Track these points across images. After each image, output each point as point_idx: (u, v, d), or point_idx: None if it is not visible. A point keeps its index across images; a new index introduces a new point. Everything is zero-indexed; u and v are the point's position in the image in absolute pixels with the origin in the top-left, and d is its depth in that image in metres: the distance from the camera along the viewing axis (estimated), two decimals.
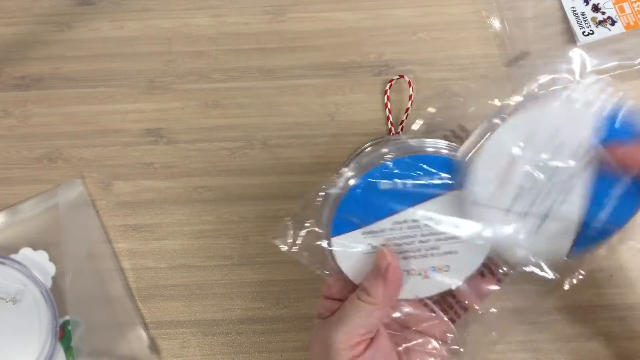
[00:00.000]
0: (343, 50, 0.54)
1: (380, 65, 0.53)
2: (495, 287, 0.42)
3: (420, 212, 0.38)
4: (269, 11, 0.55)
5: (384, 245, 0.39)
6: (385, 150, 0.39)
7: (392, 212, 0.38)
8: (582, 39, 0.52)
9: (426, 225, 0.39)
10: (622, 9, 0.52)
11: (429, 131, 0.43)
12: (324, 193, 0.39)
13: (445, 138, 0.44)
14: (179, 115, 0.53)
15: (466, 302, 0.42)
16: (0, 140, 0.53)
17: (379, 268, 0.38)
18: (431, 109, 0.44)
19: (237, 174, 0.52)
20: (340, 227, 0.39)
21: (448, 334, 0.41)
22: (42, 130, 0.53)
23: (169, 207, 0.52)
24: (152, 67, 0.54)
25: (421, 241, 0.39)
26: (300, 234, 0.42)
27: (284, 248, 0.44)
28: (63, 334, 0.48)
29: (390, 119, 0.51)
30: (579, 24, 0.52)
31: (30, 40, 0.55)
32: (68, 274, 0.49)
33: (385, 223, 0.39)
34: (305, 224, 0.41)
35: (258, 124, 0.53)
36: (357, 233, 0.39)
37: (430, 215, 0.39)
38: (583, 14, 0.52)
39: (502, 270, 0.42)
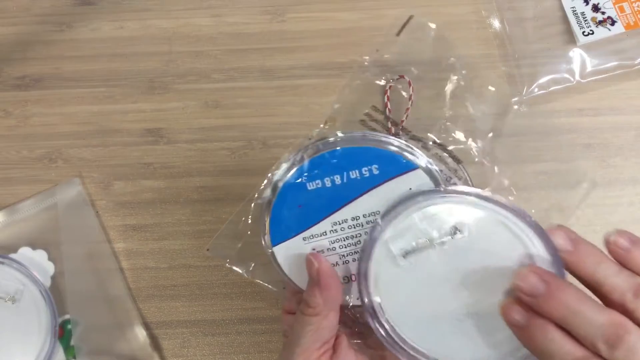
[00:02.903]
0: (343, 50, 0.54)
1: (380, 65, 0.53)
2: None
3: (357, 208, 0.37)
4: (269, 11, 0.55)
5: (314, 249, 0.38)
6: (305, 150, 0.38)
7: (328, 213, 0.37)
8: (582, 39, 0.52)
9: (368, 222, 0.37)
10: (622, 9, 0.52)
11: (347, 121, 0.43)
12: (260, 203, 0.38)
13: (362, 123, 0.43)
14: (179, 115, 0.53)
15: None
16: (0, 140, 0.53)
17: (311, 275, 0.36)
18: (339, 105, 0.44)
19: (237, 174, 0.52)
20: (278, 235, 0.38)
21: None
22: (42, 130, 0.53)
23: (169, 207, 0.52)
24: (152, 67, 0.54)
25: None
26: (239, 248, 0.42)
27: (237, 270, 0.43)
28: (62, 333, 0.48)
29: (390, 119, 0.51)
30: (579, 24, 0.52)
31: (30, 40, 0.55)
32: (67, 274, 0.49)
33: (324, 225, 0.38)
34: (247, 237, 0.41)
35: (258, 124, 0.53)
36: (297, 240, 0.38)
37: (370, 211, 0.37)
38: (583, 14, 0.52)
39: None
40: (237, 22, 0.55)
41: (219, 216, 0.51)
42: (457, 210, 0.36)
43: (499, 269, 0.34)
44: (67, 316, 0.48)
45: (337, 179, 0.37)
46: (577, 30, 0.52)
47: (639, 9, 0.52)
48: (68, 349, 0.48)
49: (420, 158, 0.38)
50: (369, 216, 0.38)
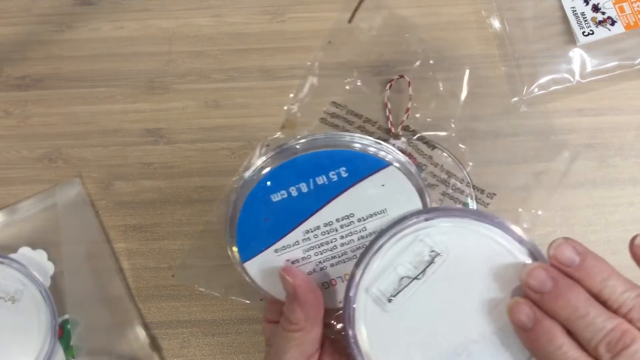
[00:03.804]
0: (343, 50, 0.54)
1: (380, 65, 0.53)
2: None
3: (328, 214, 0.36)
4: (269, 11, 0.55)
5: (288, 260, 0.36)
6: (263, 159, 0.36)
7: (298, 222, 0.36)
8: (582, 39, 0.52)
9: (342, 226, 0.36)
10: (622, 9, 0.52)
11: (306, 123, 0.41)
12: (223, 220, 0.37)
13: (323, 121, 0.41)
14: (179, 115, 0.53)
15: None
16: (0, 140, 0.53)
17: (287, 292, 0.35)
18: (296, 106, 0.43)
19: (236, 174, 0.52)
20: (248, 251, 0.36)
21: None
22: (42, 130, 0.53)
23: (169, 207, 0.52)
24: (152, 67, 0.54)
25: (343, 244, 0.37)
26: (208, 267, 0.41)
27: (209, 292, 0.42)
28: (62, 333, 0.48)
29: (390, 119, 0.51)
30: (579, 24, 0.52)
31: (30, 40, 0.55)
32: (67, 274, 0.49)
33: (296, 234, 0.36)
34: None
35: (258, 124, 0.53)
36: (269, 252, 0.36)
37: (343, 215, 0.36)
38: (583, 14, 0.52)
39: None
40: (237, 22, 0.55)
41: (219, 216, 0.51)
42: (432, 234, 0.34)
43: (489, 284, 0.33)
44: (67, 316, 0.48)
45: (304, 187, 0.35)
46: (577, 30, 0.52)
47: (639, 9, 0.52)
48: (68, 349, 0.48)
49: (390, 153, 0.36)
50: (342, 220, 0.36)
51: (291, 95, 0.42)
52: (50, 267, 0.49)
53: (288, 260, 0.37)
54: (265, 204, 0.35)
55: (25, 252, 0.49)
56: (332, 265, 0.37)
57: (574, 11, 0.53)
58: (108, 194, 0.52)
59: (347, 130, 0.40)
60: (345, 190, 0.35)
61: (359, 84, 0.46)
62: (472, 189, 0.45)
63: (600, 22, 0.52)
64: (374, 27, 0.46)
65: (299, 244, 0.36)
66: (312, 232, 0.36)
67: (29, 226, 0.50)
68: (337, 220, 0.36)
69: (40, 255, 0.49)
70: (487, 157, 0.50)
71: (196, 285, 0.44)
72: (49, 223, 0.50)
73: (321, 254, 0.37)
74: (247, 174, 0.36)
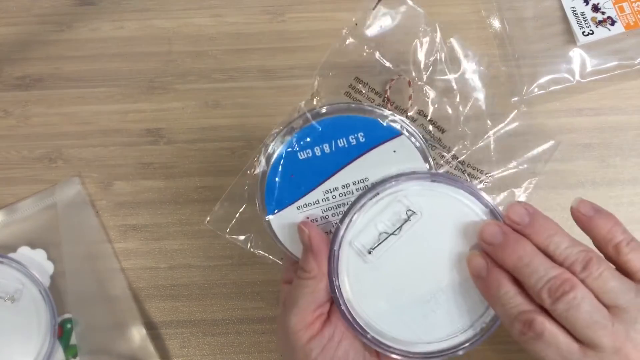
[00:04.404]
0: (343, 50, 0.54)
1: (379, 65, 0.53)
2: None
3: (346, 176, 0.39)
4: (269, 11, 0.55)
5: (308, 218, 0.39)
6: (293, 122, 0.39)
7: (320, 182, 0.39)
8: (582, 39, 0.52)
9: (358, 189, 0.39)
10: (622, 9, 0.52)
11: (332, 94, 0.44)
12: (255, 174, 0.40)
13: (347, 95, 0.44)
14: (179, 115, 0.53)
15: None
16: (0, 140, 0.53)
17: (303, 242, 0.38)
18: (322, 78, 0.44)
19: (237, 174, 0.52)
20: (273, 205, 0.39)
21: None
22: (42, 130, 0.53)
23: (169, 207, 0.52)
24: (152, 67, 0.54)
25: None
26: (237, 218, 0.43)
27: (238, 241, 0.43)
28: (62, 333, 0.48)
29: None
30: (579, 24, 0.52)
31: (30, 40, 0.55)
32: (67, 274, 0.49)
33: (317, 194, 0.39)
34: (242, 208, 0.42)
35: (258, 124, 0.53)
36: (291, 209, 0.39)
37: (359, 178, 0.39)
38: (583, 14, 0.52)
39: None
40: (237, 22, 0.55)
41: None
42: (409, 195, 0.38)
43: (456, 240, 0.37)
44: (66, 315, 0.48)
45: (327, 148, 0.39)
46: (577, 30, 0.52)
47: (639, 9, 0.52)
48: (67, 349, 0.48)
49: (402, 124, 0.40)
50: (358, 183, 0.39)
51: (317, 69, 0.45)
52: (49, 267, 0.49)
53: (307, 218, 0.39)
54: (293, 160, 0.39)
55: (24, 252, 0.49)
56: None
57: (574, 11, 0.53)
58: (108, 194, 0.52)
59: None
60: (362, 154, 0.39)
61: (377, 55, 0.48)
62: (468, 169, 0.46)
63: (600, 22, 0.52)
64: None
65: (318, 203, 0.39)
66: (330, 192, 0.39)
67: (28, 226, 0.50)
68: (354, 183, 0.39)
69: (40, 255, 0.49)
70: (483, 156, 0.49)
71: (227, 233, 0.44)
72: (48, 223, 0.50)
73: (338, 215, 0.40)
74: (280, 131, 0.40)
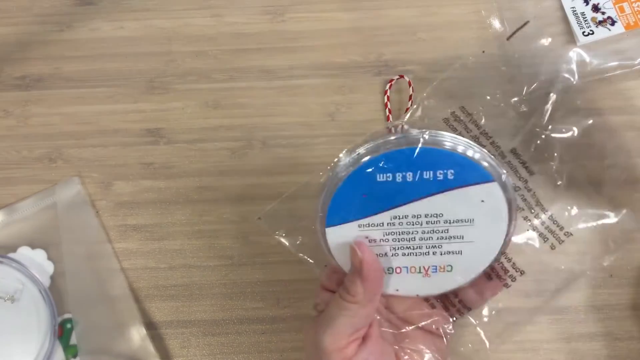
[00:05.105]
0: (343, 50, 0.54)
1: (380, 65, 0.53)
2: (500, 291, 0.41)
3: (421, 208, 0.37)
4: (269, 11, 0.55)
5: (367, 237, 0.38)
6: (383, 141, 0.37)
7: (391, 206, 0.37)
8: (582, 39, 0.52)
9: (428, 223, 0.37)
10: (622, 9, 0.52)
11: (427, 116, 0.42)
12: (322, 181, 0.38)
13: (446, 122, 0.43)
14: (179, 115, 0.53)
15: (469, 302, 0.41)
16: (0, 140, 0.53)
17: (354, 265, 0.37)
18: (427, 100, 0.43)
19: (237, 174, 0.52)
20: (335, 218, 0.38)
21: (448, 331, 0.41)
22: (42, 130, 0.53)
23: (169, 207, 0.52)
24: (152, 67, 0.54)
25: (422, 238, 0.38)
26: (296, 223, 0.43)
27: (285, 242, 0.44)
28: (62, 333, 0.48)
29: (390, 119, 0.51)
30: (579, 24, 0.52)
31: (30, 40, 0.55)
32: (67, 273, 0.49)
33: (384, 217, 0.37)
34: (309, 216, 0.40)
35: (258, 124, 0.53)
36: (352, 225, 0.38)
37: (433, 212, 0.37)
38: (583, 14, 0.52)
39: (510, 272, 0.41)
40: (237, 22, 0.55)
41: (219, 216, 0.51)
42: None
43: None
44: (66, 315, 0.48)
45: (409, 176, 0.37)
46: (577, 30, 0.52)
47: (639, 9, 0.52)
48: (67, 349, 0.48)
49: (497, 169, 0.37)
50: (430, 217, 0.37)
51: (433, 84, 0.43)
52: (49, 267, 0.49)
53: (366, 238, 0.38)
54: (370, 180, 0.37)
55: (24, 252, 0.49)
56: (403, 254, 0.38)
57: (574, 11, 0.53)
58: (108, 194, 0.52)
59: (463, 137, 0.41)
60: (445, 191, 0.37)
61: (496, 97, 0.47)
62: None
63: (600, 22, 0.52)
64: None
65: (382, 226, 0.38)
66: (398, 219, 0.38)
67: (28, 226, 0.50)
68: (426, 215, 0.37)
69: (40, 255, 0.49)
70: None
71: (277, 233, 0.44)
72: (48, 223, 0.50)
73: (398, 241, 0.38)
74: (362, 148, 0.38)
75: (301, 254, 0.44)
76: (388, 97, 0.52)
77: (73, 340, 0.48)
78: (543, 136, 0.46)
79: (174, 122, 0.53)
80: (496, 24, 0.54)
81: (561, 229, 0.43)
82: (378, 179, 0.37)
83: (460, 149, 0.36)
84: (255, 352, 0.49)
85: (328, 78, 0.53)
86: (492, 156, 0.37)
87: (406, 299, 0.40)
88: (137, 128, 0.53)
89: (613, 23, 0.52)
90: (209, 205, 0.52)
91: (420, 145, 0.36)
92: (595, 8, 0.53)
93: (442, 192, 0.37)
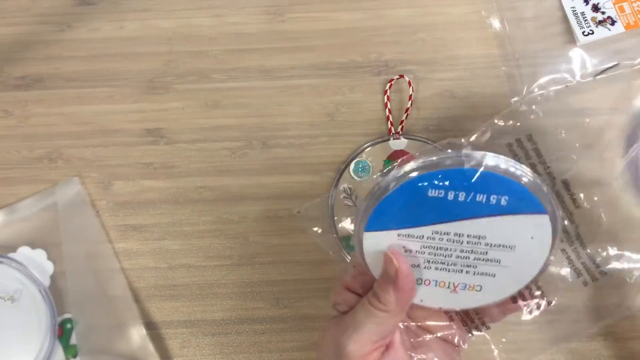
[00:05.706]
0: (343, 50, 0.54)
1: (380, 65, 0.53)
2: (523, 314, 0.40)
3: (465, 228, 0.37)
4: (269, 11, 0.55)
5: (404, 247, 0.37)
6: (442, 157, 0.36)
7: (435, 221, 0.37)
8: (582, 39, 0.52)
9: (469, 243, 0.37)
10: (622, 9, 0.52)
11: (493, 137, 0.41)
12: (376, 183, 0.37)
13: (508, 146, 0.42)
14: (179, 115, 0.53)
15: (488, 319, 0.41)
16: (0, 140, 0.53)
17: (388, 274, 0.36)
18: (498, 121, 0.42)
19: (237, 174, 0.52)
20: (376, 223, 0.37)
21: (462, 343, 0.40)
22: (42, 130, 0.53)
23: (169, 207, 0.52)
24: (152, 67, 0.54)
25: (459, 256, 0.37)
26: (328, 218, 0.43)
27: (317, 230, 0.43)
28: (62, 333, 0.48)
29: (390, 119, 0.51)
30: (579, 24, 0.52)
31: (30, 40, 0.55)
32: (67, 273, 0.49)
33: (426, 230, 0.37)
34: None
35: (258, 124, 0.53)
36: (392, 233, 0.37)
37: (476, 234, 0.37)
38: (583, 14, 0.52)
39: (537, 300, 0.41)
40: (237, 22, 0.55)
41: (219, 216, 0.51)
42: None
43: None
44: (66, 315, 0.48)
45: (462, 196, 0.36)
46: (577, 30, 0.52)
47: (639, 9, 0.52)
48: (67, 349, 0.48)
49: (551, 202, 0.36)
50: (472, 237, 0.37)
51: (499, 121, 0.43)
52: (49, 267, 0.49)
53: (403, 248, 0.37)
54: (421, 193, 0.36)
55: (24, 252, 0.49)
56: (436, 268, 0.38)
57: (574, 11, 0.53)
58: (108, 194, 0.52)
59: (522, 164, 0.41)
60: (494, 215, 0.36)
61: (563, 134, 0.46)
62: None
63: (600, 22, 0.52)
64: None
65: (422, 238, 0.37)
66: (439, 234, 0.37)
67: (28, 226, 0.50)
68: (469, 235, 0.37)
69: (40, 255, 0.49)
70: None
71: (314, 228, 0.44)
72: (48, 223, 0.50)
73: (434, 255, 0.38)
74: (426, 160, 0.37)
75: (330, 252, 0.44)
76: (388, 97, 0.52)
77: (73, 340, 0.48)
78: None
79: (174, 122, 0.53)
80: (496, 24, 0.54)
81: (597, 267, 0.42)
82: (429, 194, 0.36)
83: (520, 177, 0.36)
84: (255, 352, 0.49)
85: (328, 78, 0.53)
86: (547, 186, 0.37)
87: (427, 308, 0.40)
88: (137, 128, 0.53)
89: (613, 23, 0.52)
90: (209, 205, 0.52)
91: (482, 169, 0.35)
92: (595, 8, 0.53)
93: (491, 215, 0.36)
